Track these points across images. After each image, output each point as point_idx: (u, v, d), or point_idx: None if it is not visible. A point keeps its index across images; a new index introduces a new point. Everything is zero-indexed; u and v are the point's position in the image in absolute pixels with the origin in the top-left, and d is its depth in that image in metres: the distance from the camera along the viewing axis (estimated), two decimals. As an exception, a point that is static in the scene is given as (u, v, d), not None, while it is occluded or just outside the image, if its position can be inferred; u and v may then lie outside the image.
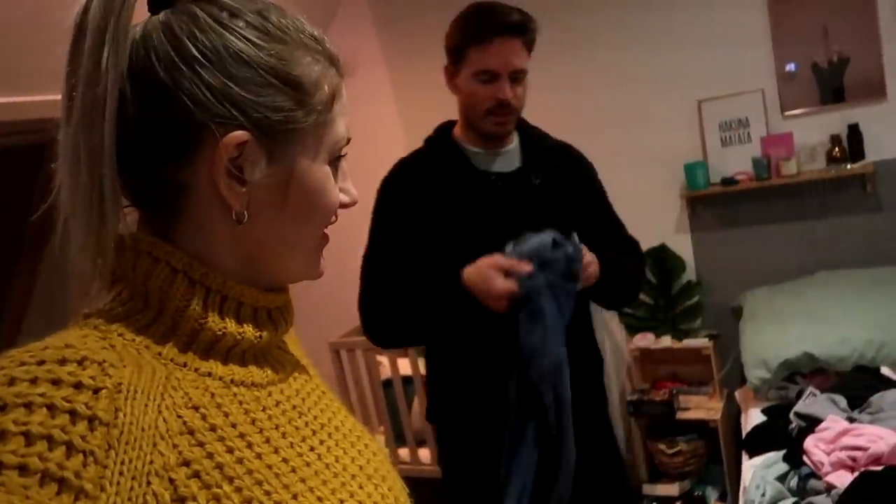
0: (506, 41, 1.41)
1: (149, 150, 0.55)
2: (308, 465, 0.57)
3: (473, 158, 1.52)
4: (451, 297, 1.40)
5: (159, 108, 0.54)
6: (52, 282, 2.67)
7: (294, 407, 0.62)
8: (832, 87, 2.64)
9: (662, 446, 2.85)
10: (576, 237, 1.37)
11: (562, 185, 1.56)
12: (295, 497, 0.54)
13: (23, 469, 0.42)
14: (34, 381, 0.46)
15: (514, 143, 1.57)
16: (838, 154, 2.61)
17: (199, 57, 0.53)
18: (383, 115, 3.27)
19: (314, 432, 0.62)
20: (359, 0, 3.26)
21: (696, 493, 2.81)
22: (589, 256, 1.40)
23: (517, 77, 1.45)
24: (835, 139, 2.62)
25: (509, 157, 1.55)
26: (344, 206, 0.64)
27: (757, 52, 2.71)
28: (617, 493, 1.68)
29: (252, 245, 0.59)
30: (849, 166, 2.58)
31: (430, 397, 1.63)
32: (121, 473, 0.46)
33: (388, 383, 3.05)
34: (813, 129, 2.67)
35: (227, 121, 0.54)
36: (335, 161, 0.62)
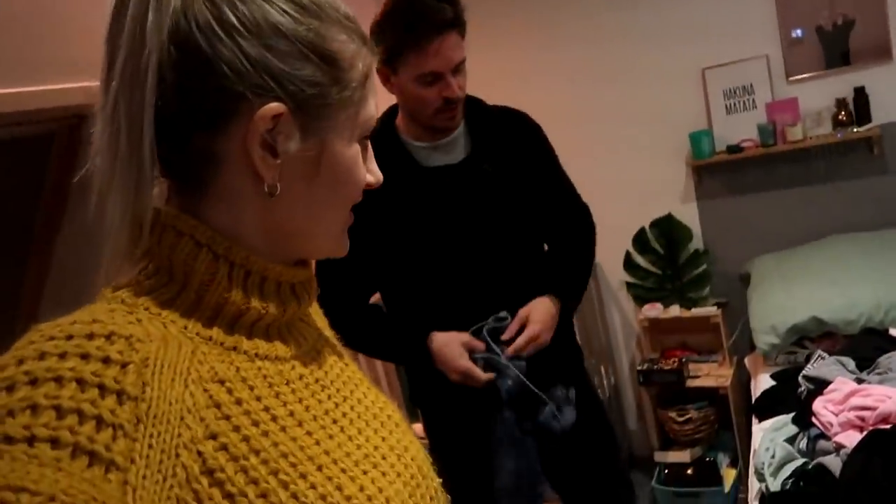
0: (444, 39, 1.32)
1: (185, 118, 0.55)
2: (331, 437, 0.59)
3: (417, 154, 1.45)
4: (412, 353, 1.44)
5: (198, 76, 0.54)
6: (64, 273, 2.70)
7: (317, 380, 0.63)
8: (838, 50, 2.61)
9: (673, 414, 2.88)
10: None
11: (511, 162, 1.50)
12: (319, 468, 0.55)
13: (54, 442, 0.43)
14: (63, 356, 0.47)
15: (459, 127, 1.49)
16: (844, 118, 2.60)
17: (239, 27, 0.53)
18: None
19: (337, 405, 0.62)
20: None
21: (707, 459, 2.84)
22: (536, 327, 1.41)
23: (458, 69, 1.37)
24: (841, 103, 2.60)
25: (456, 146, 1.48)
26: (369, 186, 0.64)
27: (760, 16, 2.68)
28: (611, 478, 1.69)
29: (281, 219, 0.59)
30: (855, 130, 2.57)
31: (411, 380, 1.63)
32: (150, 447, 0.46)
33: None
34: (818, 94, 2.66)
35: (265, 92, 0.54)
36: (363, 140, 0.62)
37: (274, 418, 0.55)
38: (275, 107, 0.55)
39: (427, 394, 1.59)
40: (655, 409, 2.98)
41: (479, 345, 1.40)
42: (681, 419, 2.86)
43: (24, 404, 0.44)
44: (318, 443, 0.57)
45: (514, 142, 1.53)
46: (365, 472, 0.58)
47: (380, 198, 1.40)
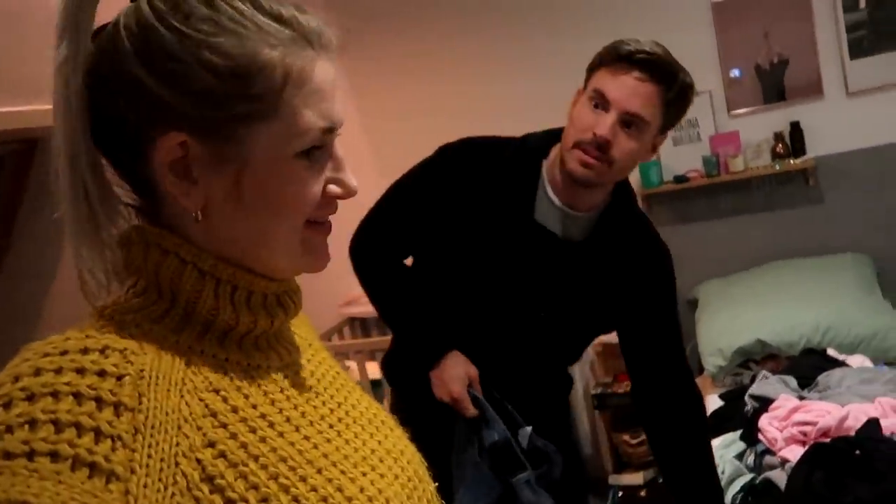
0: (640, 81, 1.21)
1: (115, 145, 0.55)
2: (329, 441, 0.59)
3: (541, 201, 1.31)
4: (423, 342, 1.36)
5: (107, 105, 0.54)
6: (11, 291, 2.62)
7: (311, 387, 0.63)
8: (774, 87, 2.78)
9: (626, 437, 2.94)
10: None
11: (619, 287, 1.35)
12: (319, 471, 0.55)
13: (54, 455, 0.43)
14: (59, 371, 0.47)
15: (593, 213, 1.33)
16: (782, 150, 2.75)
17: (136, 56, 0.52)
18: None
19: (332, 411, 0.63)
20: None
21: (659, 481, 2.90)
22: None
23: (630, 122, 1.22)
24: (778, 136, 2.76)
25: (576, 227, 1.32)
26: (337, 197, 0.61)
27: (704, 54, 2.84)
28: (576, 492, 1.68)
29: (225, 240, 0.57)
30: (792, 161, 2.72)
31: (395, 350, 1.55)
32: (149, 456, 0.47)
33: (376, 383, 3.05)
34: (758, 127, 2.81)
35: (163, 121, 0.53)
36: (313, 152, 0.57)
37: (271, 424, 0.55)
38: (174, 136, 0.53)
39: (404, 372, 1.50)
40: (609, 433, 3.03)
41: (477, 387, 1.33)
42: (634, 441, 2.92)
43: (21, 420, 0.44)
44: (315, 446, 0.57)
45: (635, 272, 1.36)
46: (364, 474, 0.59)
47: (480, 210, 1.31)
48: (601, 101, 1.22)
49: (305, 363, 0.66)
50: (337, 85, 0.59)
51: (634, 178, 2.95)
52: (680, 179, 2.87)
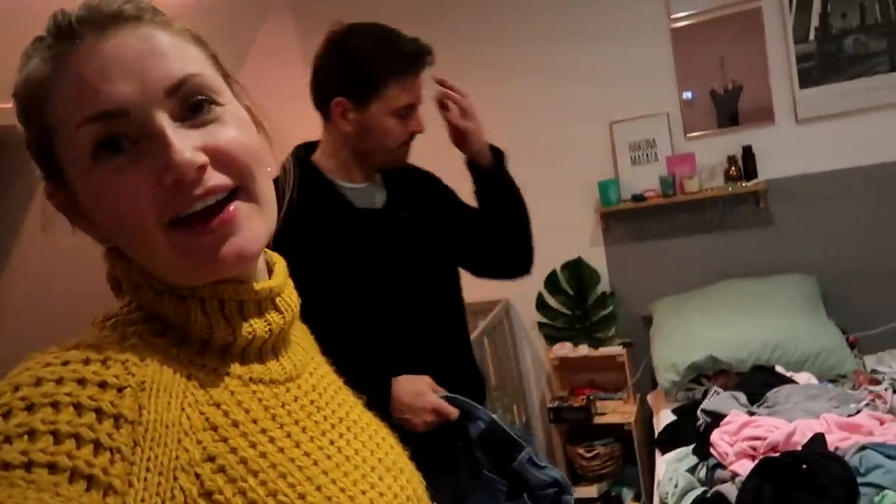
0: (422, 72, 1.38)
1: None
2: (329, 457, 0.58)
3: (348, 195, 1.43)
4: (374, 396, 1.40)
5: None
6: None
7: (312, 402, 0.62)
8: (728, 111, 2.88)
9: (581, 450, 2.98)
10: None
11: (422, 208, 1.54)
12: (318, 488, 0.54)
13: (52, 467, 0.43)
14: (60, 381, 0.46)
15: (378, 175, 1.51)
16: (734, 173, 2.85)
17: None
18: (306, 123, 3.29)
19: (333, 426, 0.62)
20: (283, 10, 3.30)
21: (612, 494, 2.95)
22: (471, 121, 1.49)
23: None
24: (731, 159, 2.85)
25: (378, 191, 1.50)
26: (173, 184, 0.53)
27: (662, 78, 2.93)
28: None
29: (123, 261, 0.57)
30: (744, 184, 2.82)
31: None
32: (147, 469, 0.46)
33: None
34: (712, 150, 2.91)
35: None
36: (113, 155, 0.51)
37: (271, 440, 0.54)
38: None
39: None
40: (564, 446, 3.07)
41: (441, 389, 1.36)
42: (589, 455, 2.96)
43: (21, 430, 0.44)
44: (315, 463, 0.56)
45: (420, 190, 1.57)
46: (363, 492, 0.58)
47: (317, 238, 1.36)
48: (407, 111, 1.38)
49: (307, 377, 0.65)
50: (119, 58, 0.51)
51: (594, 195, 3.03)
52: (638, 198, 2.94)
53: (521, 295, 3.11)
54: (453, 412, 1.32)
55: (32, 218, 2.44)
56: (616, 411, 2.99)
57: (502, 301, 3.21)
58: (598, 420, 2.95)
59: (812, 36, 2.74)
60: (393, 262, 1.45)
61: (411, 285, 1.48)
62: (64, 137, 0.52)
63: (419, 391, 1.33)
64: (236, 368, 0.57)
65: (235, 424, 0.53)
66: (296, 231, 1.33)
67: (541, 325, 3.21)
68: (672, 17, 2.89)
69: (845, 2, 2.69)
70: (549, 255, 3.10)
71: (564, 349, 3.09)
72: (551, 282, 3.15)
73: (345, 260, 1.39)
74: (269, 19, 3.30)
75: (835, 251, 2.81)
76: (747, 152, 2.83)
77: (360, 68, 1.34)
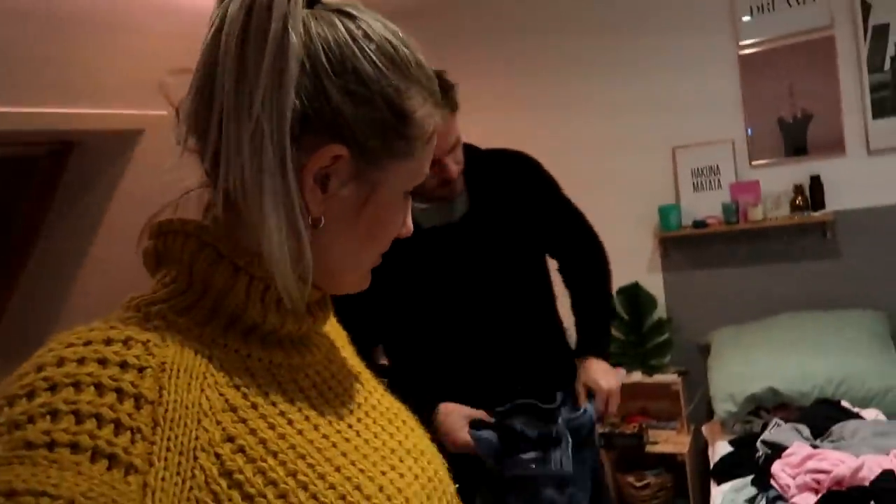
0: (447, 119, 1.27)
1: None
2: (348, 440, 0.59)
3: (417, 216, 1.39)
4: (418, 398, 1.43)
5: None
6: (24, 307, 2.65)
7: (330, 388, 0.63)
8: (796, 140, 2.83)
9: (631, 479, 2.92)
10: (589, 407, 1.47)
11: (514, 207, 1.49)
12: (338, 469, 0.55)
13: (74, 446, 0.44)
14: (81, 361, 0.48)
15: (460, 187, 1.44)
16: (801, 202, 2.78)
17: (328, 67, 0.54)
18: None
19: (351, 411, 0.63)
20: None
21: (662, 526, 2.87)
22: (604, 396, 1.51)
23: (454, 147, 1.34)
24: (798, 188, 2.79)
25: (456, 203, 1.46)
26: (400, 236, 0.65)
27: (729, 105, 2.90)
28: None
29: (317, 251, 0.58)
30: (810, 214, 2.75)
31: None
32: (168, 449, 0.47)
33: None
34: (778, 179, 2.85)
35: (332, 132, 0.55)
36: (406, 194, 0.63)
37: (290, 422, 0.55)
38: (336, 148, 0.55)
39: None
40: (614, 473, 3.01)
41: (482, 414, 1.37)
42: (639, 484, 2.90)
43: (43, 410, 0.45)
44: (335, 445, 0.57)
45: (514, 186, 1.51)
46: (383, 473, 0.58)
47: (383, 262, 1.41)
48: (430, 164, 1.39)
49: (328, 361, 0.66)
50: None
51: (654, 220, 3.00)
52: (699, 225, 2.90)
53: (575, 318, 3.09)
54: (476, 451, 1.33)
55: (110, 218, 2.56)
56: (669, 441, 2.92)
57: (556, 323, 3.20)
58: (649, 449, 2.89)
59: (887, 65, 2.67)
60: (458, 274, 1.44)
61: (477, 296, 1.46)
62: (415, 162, 0.61)
63: (449, 429, 1.34)
64: (258, 352, 0.58)
65: (254, 406, 0.54)
66: None
67: (594, 349, 3.17)
68: (740, 43, 2.87)
69: (923, 32, 2.63)
70: (605, 278, 3.09)
71: (618, 375, 3.03)
72: (606, 306, 3.12)
73: (403, 280, 1.37)
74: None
75: (906, 287, 2.71)
76: (815, 182, 2.77)
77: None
